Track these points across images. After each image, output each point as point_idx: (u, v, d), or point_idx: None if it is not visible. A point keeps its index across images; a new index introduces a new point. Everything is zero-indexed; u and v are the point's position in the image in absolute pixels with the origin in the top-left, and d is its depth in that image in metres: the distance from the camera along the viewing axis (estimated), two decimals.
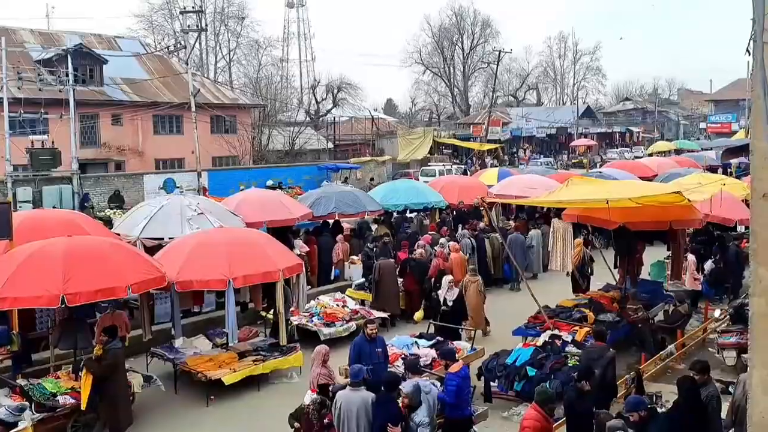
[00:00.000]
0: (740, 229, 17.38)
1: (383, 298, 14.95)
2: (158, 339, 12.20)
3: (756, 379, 3.51)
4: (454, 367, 8.52)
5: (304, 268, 12.88)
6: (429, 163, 43.53)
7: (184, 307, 12.70)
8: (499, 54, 53.68)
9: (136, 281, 10.04)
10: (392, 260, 15.31)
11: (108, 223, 18.89)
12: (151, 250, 13.43)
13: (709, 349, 13.00)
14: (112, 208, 24.78)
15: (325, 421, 8.19)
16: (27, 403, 9.53)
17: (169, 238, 13.91)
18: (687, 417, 7.17)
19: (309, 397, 8.57)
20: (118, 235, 14.35)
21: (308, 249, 16.82)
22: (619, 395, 9.58)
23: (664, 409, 8.29)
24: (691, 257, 14.61)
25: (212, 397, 10.84)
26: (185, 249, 11.87)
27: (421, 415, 7.94)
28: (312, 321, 13.87)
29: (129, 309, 12.75)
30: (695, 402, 7.38)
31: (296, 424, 8.40)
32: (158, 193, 27.37)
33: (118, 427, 9.63)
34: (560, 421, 8.77)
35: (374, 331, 9.93)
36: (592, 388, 7.85)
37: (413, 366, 8.61)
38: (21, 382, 10.03)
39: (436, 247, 15.98)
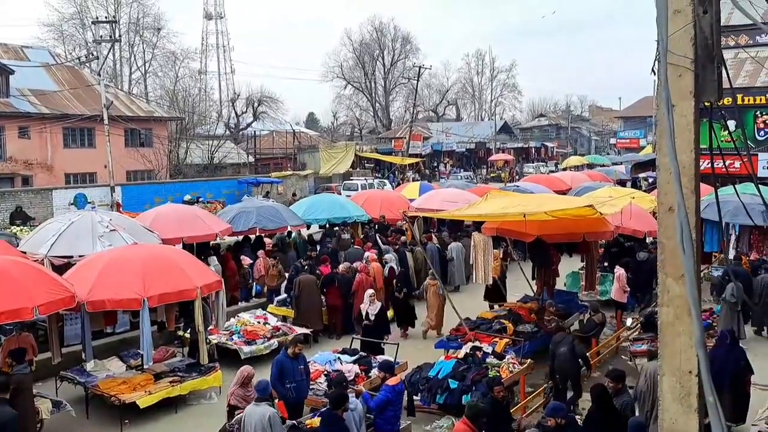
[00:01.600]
0: (649, 240, 18.34)
1: (304, 314, 14.79)
2: (68, 362, 11.56)
3: (666, 386, 3.67)
4: (392, 381, 8.56)
5: (223, 285, 12.57)
6: (351, 177, 43.64)
7: (95, 328, 12.10)
8: (419, 70, 54.74)
9: (44, 302, 9.49)
10: (312, 276, 15.18)
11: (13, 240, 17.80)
12: (60, 269, 12.76)
13: (622, 356, 13.56)
14: (17, 225, 23.41)
15: None
16: None
17: (79, 256, 13.26)
18: (602, 425, 7.41)
19: (235, 419, 8.38)
20: (24, 253, 13.54)
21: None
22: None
23: (579, 417, 8.56)
24: (619, 270, 15.14)
25: (126, 421, 10.35)
26: (97, 267, 11.33)
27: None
28: (232, 339, 13.52)
29: (36, 331, 12.03)
30: (609, 410, 7.64)
31: None
32: (68, 209, 26.13)
33: None
34: None
35: (300, 350, 9.79)
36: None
37: (340, 381, 8.53)
38: None
39: (357, 263, 15.98)
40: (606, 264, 17.36)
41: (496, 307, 15.33)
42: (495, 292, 16.05)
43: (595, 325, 13.51)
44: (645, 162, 33.41)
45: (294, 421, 9.06)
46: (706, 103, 3.79)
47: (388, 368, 9.05)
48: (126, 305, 11.35)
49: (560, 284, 16.90)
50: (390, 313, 15.99)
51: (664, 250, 3.83)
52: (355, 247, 19.26)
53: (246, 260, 17.77)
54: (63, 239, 13.83)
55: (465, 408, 7.31)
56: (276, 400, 9.07)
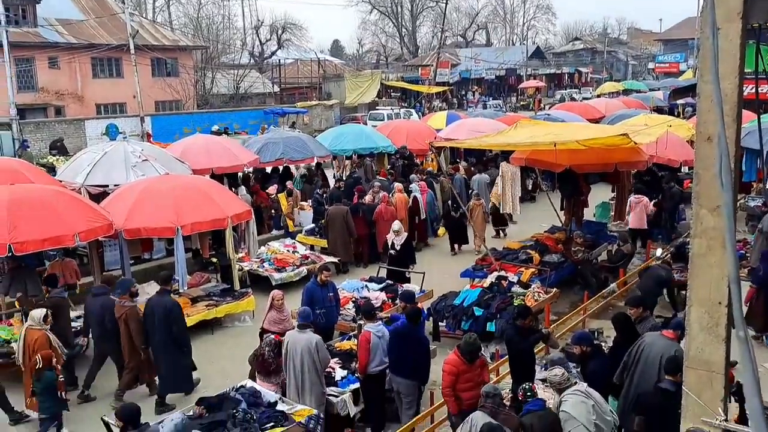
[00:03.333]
0: (685, 170, 17.99)
1: (333, 245, 15.05)
2: None
3: (694, 316, 3.73)
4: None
5: (252, 215, 12.81)
6: (377, 107, 43.18)
7: (133, 255, 12.52)
8: None
9: (84, 229, 9.85)
10: (342, 207, 15.32)
11: (51, 170, 18.21)
12: (96, 198, 13.09)
13: None
14: (53, 155, 23.87)
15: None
16: None
17: (114, 186, 13.56)
18: (621, 348, 7.53)
19: (264, 341, 8.70)
20: (62, 182, 13.88)
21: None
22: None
23: (605, 345, 8.70)
24: (642, 198, 15.01)
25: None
26: (131, 196, 11.63)
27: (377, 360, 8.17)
28: (263, 266, 13.90)
29: (78, 257, 12.48)
30: (632, 335, 7.75)
31: (254, 363, 8.58)
32: (101, 140, 26.49)
33: None
34: (504, 357, 9.15)
35: (328, 278, 10.05)
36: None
37: (368, 311, 8.75)
38: None
39: (380, 193, 16.08)
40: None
41: (501, 234, 16.73)
42: (498, 218, 17.14)
43: (623, 256, 13.53)
44: (685, 88, 32.19)
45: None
46: (754, 25, 3.65)
47: (408, 298, 9.22)
48: (161, 233, 11.69)
49: (589, 215, 16.83)
50: (441, 231, 17.11)
51: (700, 181, 3.79)
52: (380, 177, 19.31)
53: (272, 189, 17.97)
54: (98, 169, 14.11)
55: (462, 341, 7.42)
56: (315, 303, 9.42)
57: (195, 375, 9.60)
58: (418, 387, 8.34)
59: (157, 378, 9.35)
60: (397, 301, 11.09)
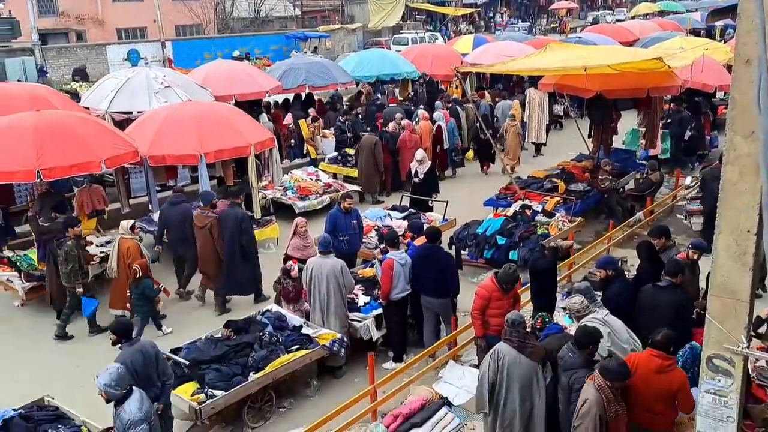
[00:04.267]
0: (720, 95, 17.40)
1: (359, 174, 15.01)
2: (136, 212, 12.21)
3: (721, 244, 3.67)
4: (419, 241, 8.76)
5: (275, 143, 12.77)
6: (401, 31, 42.05)
7: (159, 182, 12.63)
8: None
9: (110, 156, 9.92)
10: (373, 136, 15.08)
11: (74, 96, 18.23)
12: (121, 124, 13.13)
13: (677, 215, 13.47)
14: (76, 81, 23.86)
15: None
16: (16, 273, 9.89)
17: (138, 112, 13.56)
18: (651, 276, 7.51)
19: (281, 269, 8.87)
20: (87, 109, 13.91)
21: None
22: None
23: (629, 274, 8.68)
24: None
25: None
26: (155, 123, 11.63)
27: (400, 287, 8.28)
28: (286, 195, 13.97)
29: (104, 183, 12.65)
30: (656, 264, 7.72)
31: (278, 288, 8.78)
32: (122, 65, 26.30)
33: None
34: (526, 285, 9.20)
35: (351, 206, 10.09)
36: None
37: (392, 238, 8.79)
38: (8, 253, 10.28)
39: (403, 121, 15.86)
40: (669, 120, 16.70)
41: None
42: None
43: (651, 184, 13.32)
44: (724, 8, 30.59)
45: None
46: None
47: (417, 229, 9.23)
48: (184, 160, 11.75)
49: (618, 142, 16.48)
50: (470, 154, 17.25)
51: (735, 105, 3.65)
52: (405, 103, 19.00)
53: (288, 119, 17.77)
54: (121, 95, 14.08)
55: (501, 269, 7.44)
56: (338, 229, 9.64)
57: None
58: (451, 301, 8.49)
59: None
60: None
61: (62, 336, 9.27)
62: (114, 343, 6.41)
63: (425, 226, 9.48)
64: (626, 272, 8.71)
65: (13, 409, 6.39)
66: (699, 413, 3.85)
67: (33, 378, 8.18)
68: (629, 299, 7.17)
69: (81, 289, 9.11)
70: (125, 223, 9.31)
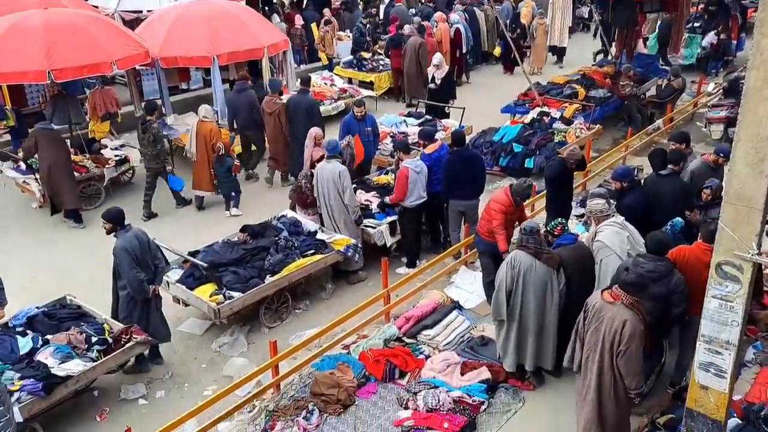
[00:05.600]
0: None
1: (404, 80, 14.66)
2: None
3: (740, 152, 3.59)
4: (429, 148, 8.66)
5: (289, 45, 12.46)
6: None
7: (171, 84, 12.52)
8: None
9: (121, 57, 9.75)
10: (419, 38, 14.34)
11: None
12: (131, 24, 12.84)
13: (697, 123, 13.19)
14: None
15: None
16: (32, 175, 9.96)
17: (148, 11, 13.22)
18: (661, 184, 7.46)
19: (301, 174, 8.85)
20: (96, 8, 13.57)
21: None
22: None
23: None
24: None
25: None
26: (165, 24, 11.34)
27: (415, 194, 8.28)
28: None
29: (116, 86, 12.55)
30: (672, 172, 7.64)
31: (293, 197, 8.85)
32: None
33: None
34: (540, 193, 9.18)
35: (363, 113, 9.95)
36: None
37: (404, 145, 8.71)
38: (22, 155, 10.28)
39: (424, 22, 15.32)
40: (697, 24, 16.01)
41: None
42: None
43: (673, 91, 12.96)
44: None
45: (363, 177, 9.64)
46: None
47: (427, 136, 9.08)
48: (197, 62, 11.55)
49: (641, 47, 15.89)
50: (497, 51, 17.33)
51: (766, 6, 3.47)
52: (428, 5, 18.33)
53: (299, 20, 17.21)
54: None
55: (515, 183, 7.36)
56: (351, 135, 9.56)
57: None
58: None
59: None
60: (439, 135, 11.01)
61: (150, 215, 9.98)
62: (109, 232, 6.54)
63: (431, 135, 9.30)
64: (642, 180, 8.62)
65: (37, 307, 6.63)
66: (704, 317, 3.92)
67: (53, 278, 8.44)
68: (644, 210, 7.15)
69: (170, 167, 9.99)
70: (206, 107, 9.92)
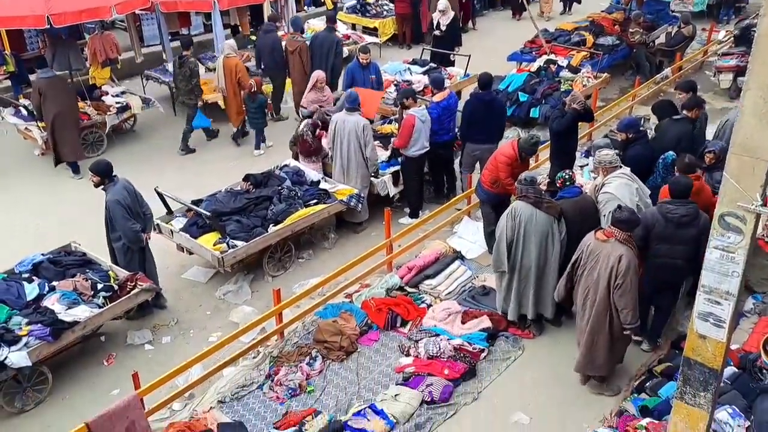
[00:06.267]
0: None
1: None
2: (151, 62, 12.04)
3: (748, 101, 3.51)
4: (438, 96, 8.52)
5: None
6: None
7: (171, 30, 12.28)
8: None
9: (120, 1, 9.53)
10: None
11: None
12: None
13: (706, 72, 12.97)
14: None
15: (321, 140, 8.63)
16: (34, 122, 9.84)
17: None
18: (671, 133, 7.39)
19: (303, 123, 8.78)
20: None
21: None
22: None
23: (650, 132, 8.51)
24: None
25: (213, 122, 11.00)
26: None
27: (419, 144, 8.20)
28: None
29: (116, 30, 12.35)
30: (677, 119, 7.58)
31: (294, 147, 8.77)
32: None
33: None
34: (545, 143, 9.09)
35: (367, 60, 9.78)
36: None
37: (411, 93, 8.57)
38: (24, 102, 10.25)
39: None
40: None
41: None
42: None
43: (683, 39, 12.70)
44: None
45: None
46: None
47: (437, 84, 8.93)
48: (197, 6, 11.34)
49: None
50: None
51: None
52: None
53: None
54: None
55: (522, 139, 7.26)
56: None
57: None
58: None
59: None
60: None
61: (188, 150, 10.35)
62: (97, 185, 6.55)
63: (441, 83, 9.12)
64: (648, 130, 8.54)
65: (42, 254, 6.69)
66: (705, 268, 3.92)
67: (57, 225, 8.47)
68: (650, 161, 7.09)
69: (201, 103, 10.20)
70: (229, 43, 10.26)
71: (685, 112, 7.44)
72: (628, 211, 5.47)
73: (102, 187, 6.53)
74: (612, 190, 6.20)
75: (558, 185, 6.42)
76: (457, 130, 8.72)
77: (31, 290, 6.09)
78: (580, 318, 5.61)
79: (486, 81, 8.32)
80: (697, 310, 4.14)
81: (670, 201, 5.74)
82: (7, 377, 5.51)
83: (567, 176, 6.38)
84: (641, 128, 7.60)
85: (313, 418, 5.37)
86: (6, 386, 5.61)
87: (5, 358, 5.42)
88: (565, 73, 11.46)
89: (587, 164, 8.92)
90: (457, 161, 9.01)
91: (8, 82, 11.70)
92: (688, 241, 5.60)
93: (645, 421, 5.10)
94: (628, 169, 6.43)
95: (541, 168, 9.26)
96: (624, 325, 5.34)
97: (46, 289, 6.17)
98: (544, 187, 7.93)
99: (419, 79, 11.10)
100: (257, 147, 10.37)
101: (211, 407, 5.67)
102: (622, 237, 5.25)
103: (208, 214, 7.27)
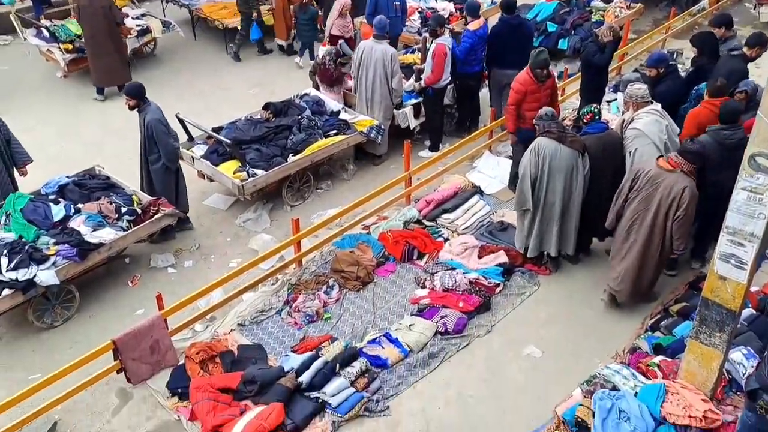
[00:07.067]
0: None
1: None
2: None
3: None
4: (474, 24, 8.23)
5: None
6: None
7: None
8: None
9: None
10: None
11: None
12: None
13: (746, 4, 12.42)
14: None
15: (342, 70, 8.52)
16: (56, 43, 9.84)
17: None
18: (706, 71, 7.13)
19: (323, 50, 8.62)
20: None
21: None
22: None
23: (682, 67, 8.25)
24: None
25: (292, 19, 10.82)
26: None
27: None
28: None
29: None
30: (713, 56, 7.28)
31: (314, 77, 8.64)
32: None
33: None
34: (573, 76, 8.87)
35: None
36: None
37: (441, 20, 8.27)
38: (45, 23, 10.16)
39: None
40: None
41: None
42: None
43: None
44: None
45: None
46: None
47: (472, 10, 8.59)
48: None
49: None
50: None
51: None
52: None
53: None
54: None
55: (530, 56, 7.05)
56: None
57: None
58: None
59: None
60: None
61: (238, 58, 10.68)
62: (132, 108, 6.55)
63: (477, 10, 8.82)
64: (681, 65, 8.28)
65: (67, 177, 6.78)
66: (730, 209, 3.87)
67: (81, 148, 8.54)
68: (680, 97, 6.88)
69: (256, 14, 10.37)
70: None
71: (745, 49, 7.08)
72: (698, 144, 5.51)
73: (137, 109, 6.53)
74: (640, 126, 6.05)
75: (585, 120, 6.27)
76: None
77: (57, 211, 6.20)
78: (623, 240, 5.70)
79: (509, 4, 8.06)
80: (719, 251, 4.11)
81: (723, 127, 5.78)
82: (37, 294, 5.69)
83: (596, 111, 6.22)
84: (671, 63, 7.34)
85: (329, 344, 5.51)
86: (36, 303, 5.80)
87: (34, 276, 5.58)
88: (597, 3, 11.06)
89: (615, 99, 8.70)
90: (482, 92, 8.85)
91: (30, 2, 11.55)
92: (737, 165, 5.57)
93: (658, 359, 5.16)
94: (659, 105, 6.26)
95: (567, 102, 9.06)
96: (675, 251, 5.59)
97: (72, 210, 6.28)
98: (570, 123, 7.80)
99: (444, 7, 10.78)
100: (300, 55, 10.62)
101: (231, 329, 5.83)
102: (687, 168, 5.32)
103: (229, 141, 7.26)
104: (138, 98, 6.48)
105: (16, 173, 6.80)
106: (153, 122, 6.46)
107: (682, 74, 7.59)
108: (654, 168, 5.43)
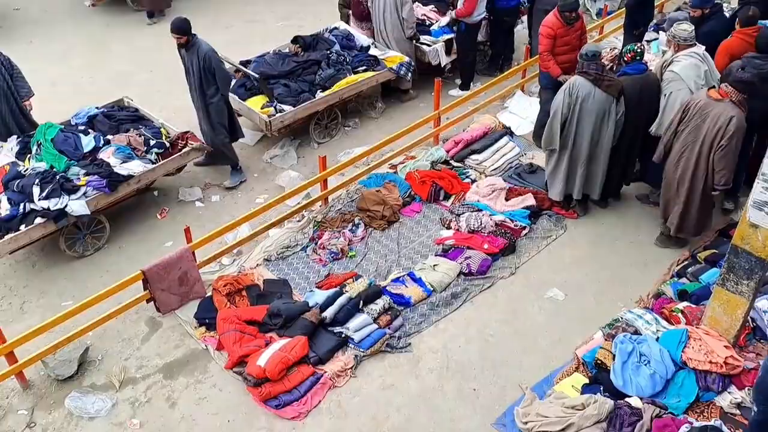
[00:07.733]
0: None
1: None
2: None
3: None
4: None
5: None
6: None
7: None
8: None
9: None
10: None
11: None
12: None
13: None
14: None
15: None
16: None
17: None
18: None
19: None
20: None
21: None
22: None
23: (728, 6, 7.86)
24: None
25: None
26: None
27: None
28: None
29: None
30: None
31: (344, 9, 8.46)
32: None
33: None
34: (613, 13, 8.53)
35: None
36: None
37: None
38: None
39: None
40: None
41: None
42: None
43: None
44: None
45: None
46: None
47: None
48: None
49: None
50: None
51: None
52: None
53: None
54: None
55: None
56: None
57: None
58: None
59: None
60: None
61: None
62: (182, 45, 6.41)
63: None
64: (726, 4, 7.89)
65: (96, 108, 6.80)
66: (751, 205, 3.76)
67: (108, 79, 8.53)
68: (724, 38, 6.59)
69: None
70: None
71: None
72: (751, 71, 5.34)
73: (186, 47, 6.41)
74: (678, 69, 5.82)
75: (626, 59, 6.04)
76: None
77: (87, 142, 6.25)
78: (673, 173, 5.61)
79: None
80: (752, 198, 4.01)
81: (757, 56, 5.62)
82: (68, 224, 5.81)
83: (638, 50, 5.97)
84: (717, 2, 6.99)
85: (353, 281, 5.57)
86: (67, 232, 5.94)
87: (66, 206, 5.69)
88: None
89: (656, 38, 8.36)
90: (517, 29, 8.59)
91: None
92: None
93: (682, 305, 5.13)
94: (703, 48, 5.99)
95: (605, 41, 8.76)
96: (716, 185, 5.39)
97: (102, 142, 6.33)
98: (608, 62, 7.55)
99: None
100: None
101: (257, 264, 5.92)
102: (737, 98, 5.18)
103: (257, 76, 7.19)
104: (187, 34, 6.35)
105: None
106: (210, 53, 6.35)
107: (727, 14, 7.23)
108: (704, 98, 5.28)
